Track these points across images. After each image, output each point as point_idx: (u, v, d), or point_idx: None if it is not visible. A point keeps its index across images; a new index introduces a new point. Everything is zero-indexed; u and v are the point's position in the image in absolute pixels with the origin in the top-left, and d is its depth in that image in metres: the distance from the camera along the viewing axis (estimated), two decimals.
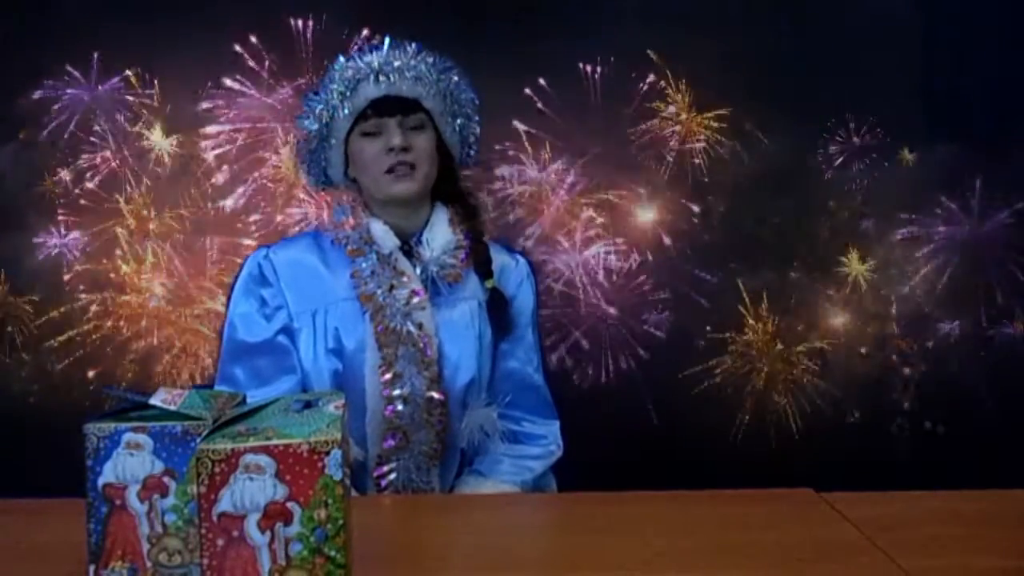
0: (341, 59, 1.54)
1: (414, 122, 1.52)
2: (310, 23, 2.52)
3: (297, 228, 2.51)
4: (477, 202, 1.65)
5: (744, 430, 2.48)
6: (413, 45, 1.54)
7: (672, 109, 2.61)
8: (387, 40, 1.55)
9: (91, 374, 2.50)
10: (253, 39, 2.50)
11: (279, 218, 2.55)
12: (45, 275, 2.51)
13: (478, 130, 1.61)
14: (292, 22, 2.51)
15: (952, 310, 2.63)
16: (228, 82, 2.53)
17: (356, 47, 1.55)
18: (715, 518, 1.16)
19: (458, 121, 1.57)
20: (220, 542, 0.78)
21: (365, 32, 2.44)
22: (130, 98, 2.52)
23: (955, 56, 2.59)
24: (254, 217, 2.55)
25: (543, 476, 1.60)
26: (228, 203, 2.55)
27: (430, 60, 1.54)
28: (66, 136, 2.52)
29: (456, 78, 1.56)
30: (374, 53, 1.52)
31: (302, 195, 2.54)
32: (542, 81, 2.55)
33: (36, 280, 2.51)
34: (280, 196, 2.55)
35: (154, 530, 0.88)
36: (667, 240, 2.62)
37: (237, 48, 2.50)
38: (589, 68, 2.57)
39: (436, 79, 1.53)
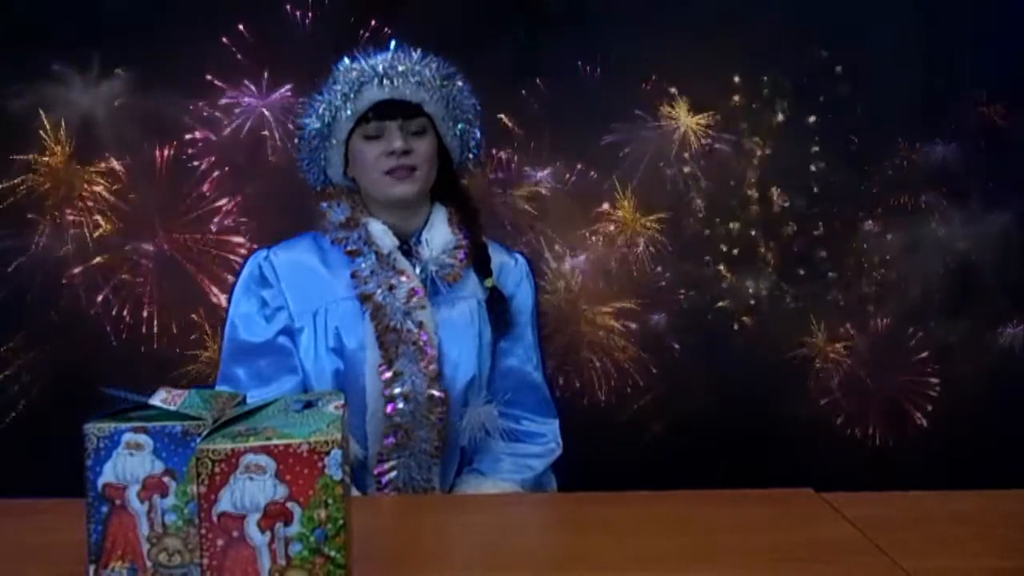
0: (346, 60, 1.54)
1: (415, 126, 1.52)
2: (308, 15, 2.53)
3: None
4: (476, 203, 1.66)
5: (744, 430, 2.48)
6: (418, 50, 1.55)
7: (672, 111, 2.61)
8: (392, 43, 1.55)
9: (91, 374, 2.50)
10: (248, 35, 2.50)
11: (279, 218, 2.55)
12: (45, 275, 2.51)
13: (479, 135, 1.61)
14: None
15: (952, 310, 2.63)
16: (223, 79, 2.53)
17: (361, 49, 1.55)
18: (715, 518, 1.16)
19: (459, 126, 1.57)
20: (220, 542, 0.78)
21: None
22: (128, 97, 2.52)
23: (955, 55, 2.59)
24: (253, 217, 2.56)
25: (544, 475, 1.60)
26: (228, 202, 2.55)
27: (434, 65, 1.54)
28: (72, 137, 2.52)
29: (459, 84, 1.57)
30: (379, 56, 1.53)
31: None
32: (539, 82, 2.56)
33: (36, 280, 2.51)
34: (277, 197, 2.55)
35: (154, 530, 0.88)
36: (668, 241, 2.62)
37: (235, 44, 2.50)
38: (588, 68, 2.57)
39: (439, 85, 1.53)
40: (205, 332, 2.55)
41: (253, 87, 2.54)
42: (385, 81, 1.51)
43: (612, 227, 2.62)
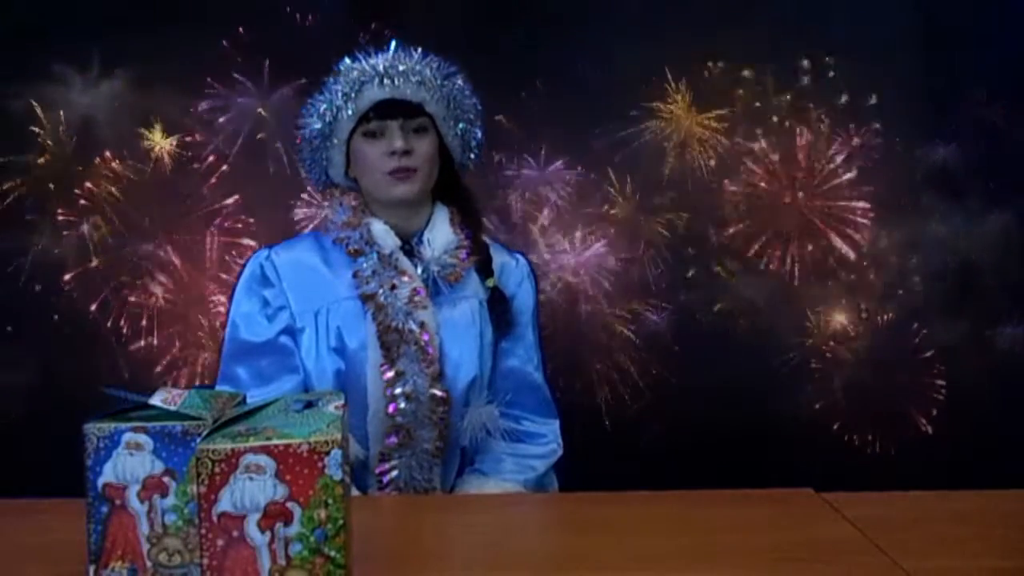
0: (347, 60, 1.55)
1: (416, 125, 1.53)
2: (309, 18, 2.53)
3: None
4: (477, 203, 1.66)
5: (744, 430, 2.48)
6: (419, 49, 1.55)
7: (672, 111, 2.61)
8: (393, 43, 1.56)
9: (91, 375, 2.50)
10: (248, 35, 2.51)
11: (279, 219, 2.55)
12: (45, 276, 2.51)
13: (480, 135, 1.62)
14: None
15: (952, 310, 2.62)
16: (223, 80, 2.53)
17: (362, 49, 1.56)
18: (715, 518, 1.16)
19: (460, 126, 1.58)
20: (220, 542, 0.78)
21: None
22: (128, 97, 2.52)
23: (955, 55, 2.58)
24: (253, 218, 2.56)
25: (545, 475, 1.60)
26: (228, 203, 2.55)
27: (435, 65, 1.55)
28: (72, 137, 2.52)
29: (460, 83, 1.57)
30: (379, 56, 1.54)
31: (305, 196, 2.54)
32: (539, 82, 2.55)
33: (36, 281, 2.51)
34: (279, 197, 2.55)
35: (154, 530, 0.88)
36: (668, 241, 2.61)
37: (235, 45, 2.50)
38: (588, 68, 2.57)
39: (440, 84, 1.54)
40: (204, 333, 2.55)
41: (253, 87, 2.54)
42: (386, 80, 1.51)
43: (612, 227, 2.62)
